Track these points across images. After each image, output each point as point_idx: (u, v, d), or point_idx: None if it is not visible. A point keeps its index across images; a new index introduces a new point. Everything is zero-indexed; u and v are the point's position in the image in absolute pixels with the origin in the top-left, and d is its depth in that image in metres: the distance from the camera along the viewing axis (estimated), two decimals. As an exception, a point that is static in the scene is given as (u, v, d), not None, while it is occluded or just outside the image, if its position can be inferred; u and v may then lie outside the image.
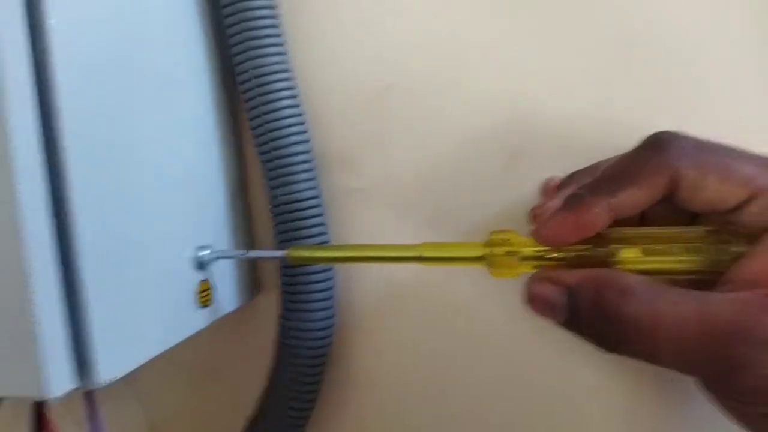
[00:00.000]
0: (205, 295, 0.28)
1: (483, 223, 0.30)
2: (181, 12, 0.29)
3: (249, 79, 0.29)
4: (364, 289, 0.33)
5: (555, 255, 0.24)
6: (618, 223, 0.24)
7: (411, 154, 0.31)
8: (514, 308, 0.24)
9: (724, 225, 0.23)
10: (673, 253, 0.23)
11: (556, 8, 0.29)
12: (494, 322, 0.31)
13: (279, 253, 0.27)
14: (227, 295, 0.31)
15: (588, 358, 0.30)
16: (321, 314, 0.31)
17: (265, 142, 0.29)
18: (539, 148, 0.30)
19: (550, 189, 0.28)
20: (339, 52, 0.32)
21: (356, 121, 0.32)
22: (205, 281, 0.29)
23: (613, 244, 0.24)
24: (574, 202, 0.23)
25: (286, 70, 0.29)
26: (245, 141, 0.33)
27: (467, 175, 0.31)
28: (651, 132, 0.23)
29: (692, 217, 0.25)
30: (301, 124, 0.30)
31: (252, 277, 0.33)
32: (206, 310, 0.29)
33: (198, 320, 0.28)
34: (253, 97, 0.29)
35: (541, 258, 0.24)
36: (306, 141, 0.30)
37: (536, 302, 0.24)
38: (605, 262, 0.23)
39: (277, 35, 0.29)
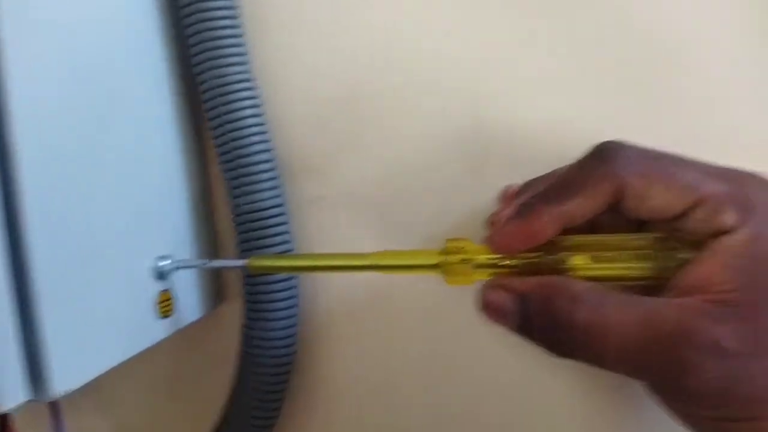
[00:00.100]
0: (165, 306, 0.28)
1: (445, 231, 0.31)
2: (140, 20, 0.29)
3: (210, 89, 0.29)
4: (329, 296, 0.33)
5: (508, 263, 0.24)
6: (569, 230, 0.24)
7: (374, 163, 0.31)
8: (478, 314, 0.24)
9: (672, 232, 0.23)
10: (621, 260, 0.23)
11: (524, 15, 0.30)
12: (459, 327, 0.31)
13: (240, 263, 0.27)
14: (189, 305, 0.31)
15: (549, 362, 0.30)
16: (283, 323, 0.31)
17: (227, 152, 0.29)
18: (501, 157, 0.30)
19: (508, 197, 0.28)
20: (302, 62, 0.32)
21: (320, 130, 0.32)
22: (165, 291, 0.29)
23: (564, 252, 0.24)
24: (524, 211, 0.23)
25: (247, 80, 0.29)
26: (209, 150, 0.33)
27: (430, 183, 0.31)
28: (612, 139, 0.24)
29: (641, 225, 0.25)
30: (264, 133, 0.30)
31: (215, 287, 0.33)
32: (167, 321, 0.29)
33: (158, 331, 0.28)
34: (215, 107, 0.29)
35: (494, 266, 0.25)
36: (269, 150, 0.30)
37: (489, 309, 0.24)
38: (557, 270, 0.24)
39: (239, 45, 0.29)
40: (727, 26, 0.28)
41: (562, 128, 0.29)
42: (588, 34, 0.29)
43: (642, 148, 0.23)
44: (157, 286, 0.28)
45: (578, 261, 0.24)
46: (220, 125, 0.29)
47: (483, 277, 0.25)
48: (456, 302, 0.31)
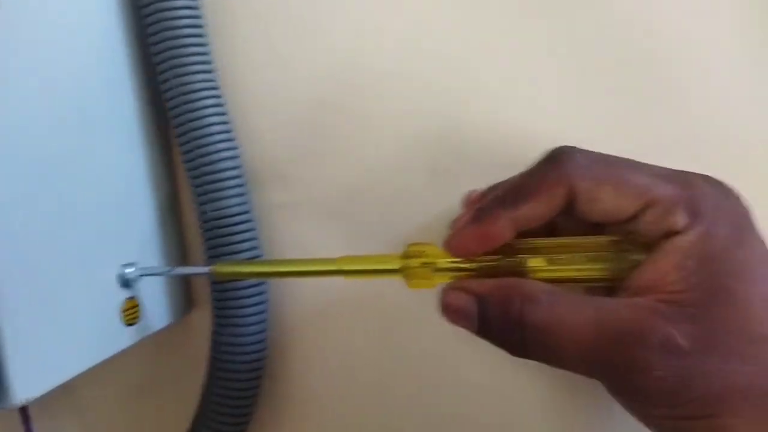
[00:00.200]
0: (130, 313, 0.28)
1: (411, 236, 0.31)
2: (103, 28, 0.29)
3: (174, 96, 0.29)
4: (298, 301, 0.33)
5: (468, 266, 0.25)
6: (529, 234, 0.25)
7: (341, 169, 0.32)
8: (440, 316, 0.25)
9: (626, 234, 0.24)
10: (576, 262, 0.24)
11: (489, 24, 0.30)
12: (431, 330, 0.31)
13: (204, 270, 0.27)
14: (157, 313, 0.31)
15: (521, 363, 0.31)
16: (253, 328, 0.31)
17: (193, 159, 0.29)
18: (464, 163, 0.30)
19: (471, 202, 0.29)
20: (269, 70, 0.32)
21: (287, 137, 0.32)
22: (131, 299, 0.29)
23: (522, 255, 0.24)
24: (480, 215, 0.24)
25: (212, 87, 0.29)
26: (177, 157, 0.33)
27: (395, 189, 0.31)
28: (576, 144, 0.24)
29: (599, 228, 0.26)
30: (230, 140, 0.30)
31: (184, 294, 0.33)
32: (133, 328, 0.29)
33: (124, 338, 0.28)
34: (180, 114, 0.29)
35: (455, 269, 0.25)
36: (235, 157, 0.30)
37: (449, 311, 0.24)
38: (515, 272, 0.24)
39: (204, 53, 0.29)
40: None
41: (531, 135, 0.30)
42: (570, 40, 0.30)
43: (595, 153, 0.23)
44: (122, 294, 0.28)
45: (535, 263, 0.24)
46: (185, 132, 0.29)
47: (444, 280, 0.25)
48: (428, 304, 0.31)
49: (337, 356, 0.33)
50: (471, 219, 0.24)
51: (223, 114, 0.30)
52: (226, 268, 0.27)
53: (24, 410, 0.30)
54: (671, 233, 0.22)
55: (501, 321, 0.23)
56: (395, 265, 0.26)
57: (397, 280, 0.26)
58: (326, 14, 0.31)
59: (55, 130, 0.26)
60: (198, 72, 0.29)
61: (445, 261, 0.25)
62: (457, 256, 0.25)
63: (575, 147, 0.23)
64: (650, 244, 0.23)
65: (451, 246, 0.24)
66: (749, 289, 0.21)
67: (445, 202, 0.30)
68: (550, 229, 0.27)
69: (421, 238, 0.26)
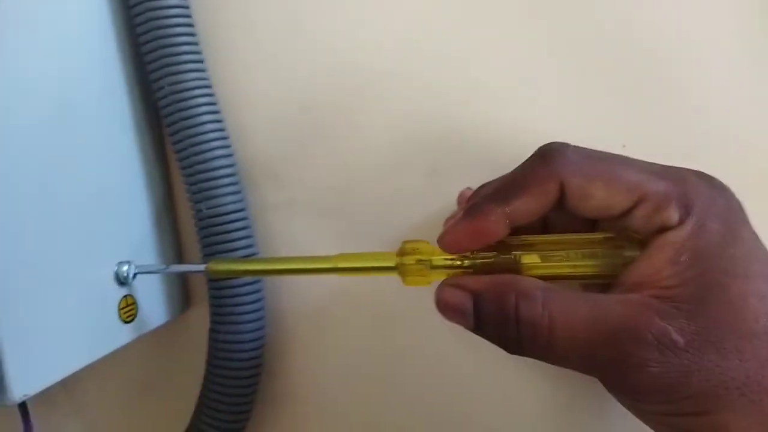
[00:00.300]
0: (128, 311, 0.29)
1: (405, 234, 0.31)
2: (94, 28, 0.29)
3: (167, 95, 0.29)
4: (296, 299, 0.33)
5: (463, 263, 0.25)
6: (525, 231, 0.25)
7: (334, 169, 0.32)
8: (437, 313, 0.25)
9: (619, 231, 0.24)
10: (569, 259, 0.24)
11: (479, 25, 0.30)
12: (428, 327, 0.32)
13: (200, 267, 0.27)
14: (154, 310, 0.31)
15: (521, 360, 0.31)
16: (250, 326, 0.31)
17: (186, 157, 0.29)
18: (458, 161, 0.30)
19: (464, 200, 0.29)
20: (263, 69, 0.32)
21: (281, 136, 0.32)
22: (128, 296, 0.29)
23: (516, 251, 0.24)
24: (472, 212, 0.24)
25: (205, 86, 0.30)
26: (170, 155, 0.33)
27: (390, 188, 0.31)
28: (577, 140, 0.24)
29: (594, 224, 0.26)
30: (224, 138, 0.30)
31: (180, 292, 0.33)
32: (130, 325, 0.29)
33: (121, 336, 0.28)
34: (172, 113, 0.29)
35: (450, 266, 0.25)
36: (229, 155, 0.30)
37: (445, 308, 0.24)
38: (510, 269, 0.24)
39: (195, 52, 0.29)
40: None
41: (524, 133, 0.30)
42: (563, 39, 0.29)
43: (586, 149, 0.23)
44: (119, 292, 0.28)
45: (529, 260, 0.24)
46: (179, 131, 0.29)
47: (439, 277, 0.25)
48: (424, 301, 0.31)
49: (335, 353, 0.33)
50: (463, 215, 0.24)
51: (216, 112, 0.30)
52: (221, 266, 0.27)
53: (23, 406, 0.30)
54: (664, 229, 0.22)
55: (496, 318, 0.23)
56: (391, 263, 0.26)
57: (394, 278, 0.26)
58: (321, 13, 0.31)
59: (49, 130, 0.26)
60: (190, 71, 0.29)
61: (441, 258, 0.25)
62: (451, 253, 0.25)
63: (566, 143, 0.23)
64: (643, 240, 0.23)
65: (444, 242, 0.24)
66: (743, 285, 0.21)
67: (441, 201, 0.31)
68: (542, 225, 0.27)
69: (417, 237, 0.26)
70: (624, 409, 0.24)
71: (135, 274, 0.28)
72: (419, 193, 0.31)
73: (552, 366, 0.23)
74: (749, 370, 0.21)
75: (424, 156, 0.31)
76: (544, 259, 0.24)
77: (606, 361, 0.22)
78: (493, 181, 0.26)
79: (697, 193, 0.22)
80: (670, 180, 0.22)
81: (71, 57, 0.27)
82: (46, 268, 0.25)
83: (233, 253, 0.30)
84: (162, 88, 0.29)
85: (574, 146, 0.23)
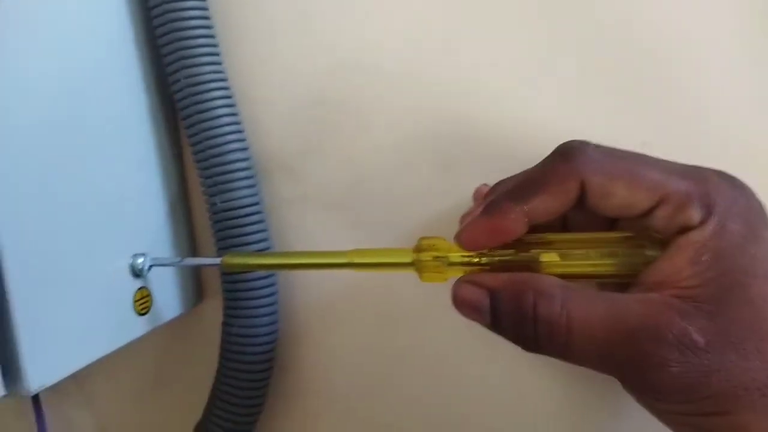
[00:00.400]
0: (142, 303, 0.29)
1: (419, 230, 0.31)
2: (112, 22, 0.29)
3: (182, 88, 0.29)
4: (309, 294, 0.33)
5: (481, 260, 0.25)
6: (543, 229, 0.24)
7: (348, 164, 0.32)
8: (453, 310, 0.25)
9: (640, 230, 0.24)
10: (589, 258, 0.24)
11: (489, 19, 0.30)
12: (440, 324, 0.32)
13: (214, 261, 0.27)
14: (168, 302, 0.31)
15: (534, 359, 0.31)
16: (264, 320, 0.31)
17: (202, 150, 0.29)
18: (473, 157, 0.30)
19: (480, 196, 0.28)
20: (277, 63, 0.32)
21: (295, 130, 0.32)
22: (143, 289, 0.29)
23: (535, 249, 0.24)
24: (491, 209, 0.23)
25: (221, 79, 0.29)
26: (187, 149, 0.33)
27: (404, 182, 0.31)
28: (586, 137, 0.24)
29: (611, 223, 0.25)
30: (239, 132, 0.30)
31: (194, 285, 0.33)
32: (144, 318, 0.29)
33: (136, 328, 0.28)
34: (188, 106, 0.29)
35: (467, 263, 0.25)
36: (244, 149, 0.30)
37: (461, 304, 0.24)
38: (528, 267, 0.24)
39: (211, 45, 0.29)
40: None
41: (536, 130, 0.30)
42: (573, 35, 0.29)
43: (606, 147, 0.23)
44: (134, 284, 0.28)
45: (548, 258, 0.24)
46: (195, 123, 0.29)
47: (456, 274, 0.25)
48: (436, 297, 0.31)
49: (347, 349, 0.33)
50: (481, 212, 0.24)
51: (231, 106, 0.30)
52: (236, 260, 0.27)
53: (36, 398, 0.30)
54: (686, 228, 0.22)
55: (514, 315, 0.23)
56: (407, 259, 0.25)
57: (407, 274, 0.26)
58: (336, 9, 0.31)
59: (65, 124, 0.26)
60: (206, 64, 0.29)
61: (458, 255, 0.25)
62: (468, 250, 0.24)
63: (587, 141, 0.23)
64: (664, 240, 0.23)
65: (462, 239, 0.24)
66: (764, 285, 0.21)
67: (454, 197, 0.30)
68: (561, 223, 0.27)
69: (430, 233, 0.26)
70: (640, 409, 0.24)
71: (150, 267, 0.28)
72: (432, 188, 0.31)
73: (566, 364, 0.23)
74: None
75: (438, 152, 0.31)
76: (563, 257, 0.24)
77: (625, 360, 0.21)
78: (512, 177, 0.26)
79: (719, 193, 0.22)
80: (692, 179, 0.22)
81: (88, 51, 0.27)
82: (63, 259, 0.25)
83: (247, 247, 0.30)
84: (178, 81, 0.29)
85: (595, 144, 0.23)
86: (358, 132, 0.31)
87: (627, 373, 0.22)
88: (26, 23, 0.24)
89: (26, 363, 0.23)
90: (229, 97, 0.30)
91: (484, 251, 0.25)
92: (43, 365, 0.24)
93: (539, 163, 0.24)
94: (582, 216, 0.25)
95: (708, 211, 0.22)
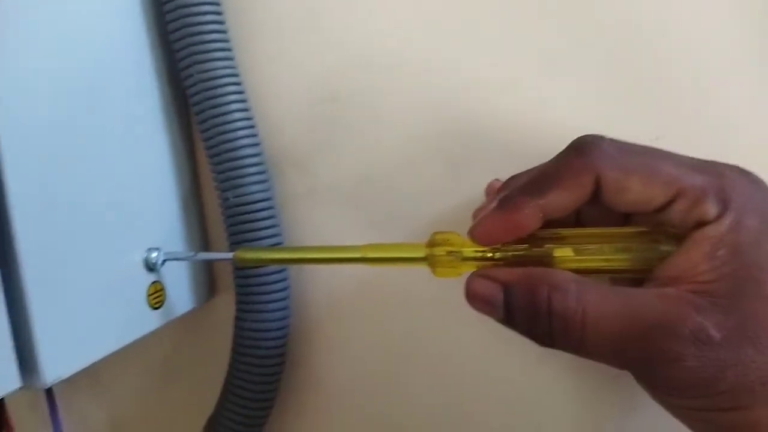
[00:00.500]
0: (156, 297, 0.29)
1: (430, 225, 0.31)
2: (125, 17, 0.29)
3: (195, 83, 0.29)
4: (321, 289, 0.33)
5: (494, 255, 0.25)
6: (558, 224, 0.24)
7: (359, 159, 0.32)
8: (469, 307, 0.25)
9: (655, 225, 0.23)
10: (603, 253, 0.24)
11: (497, 16, 0.30)
12: (452, 320, 0.32)
13: (227, 255, 0.27)
14: (181, 297, 0.31)
15: (546, 354, 0.31)
16: (276, 315, 0.31)
17: (214, 145, 0.29)
18: (484, 153, 0.30)
19: (493, 191, 0.28)
20: (289, 59, 0.32)
21: (307, 126, 0.32)
22: (156, 283, 0.29)
23: (549, 244, 0.24)
24: (505, 203, 0.23)
25: (233, 74, 0.30)
26: (199, 144, 0.33)
27: (415, 178, 0.31)
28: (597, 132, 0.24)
29: (626, 219, 0.25)
30: (251, 127, 0.30)
31: (207, 279, 0.33)
32: (158, 312, 0.29)
33: (150, 321, 0.29)
34: (201, 101, 0.29)
35: (481, 258, 0.25)
36: (256, 144, 0.30)
37: (476, 299, 0.24)
38: (542, 262, 0.24)
39: (223, 40, 0.29)
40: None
41: (547, 125, 0.30)
42: (576, 34, 0.29)
43: (621, 142, 0.23)
44: (148, 278, 0.28)
45: (562, 253, 0.24)
46: (207, 119, 0.29)
47: (470, 269, 0.25)
48: (447, 293, 0.31)
49: (358, 344, 0.33)
50: (495, 207, 0.24)
51: (244, 101, 0.30)
52: (249, 254, 0.27)
53: (49, 391, 0.30)
54: (702, 223, 0.22)
55: (527, 310, 0.23)
56: (420, 254, 0.25)
57: (419, 269, 0.26)
58: (347, 3, 0.31)
59: (79, 119, 0.26)
60: (219, 59, 0.29)
61: (471, 250, 0.25)
62: (482, 245, 0.24)
63: (602, 135, 0.23)
64: (679, 235, 0.22)
65: (476, 234, 0.24)
66: None
67: (463, 193, 0.30)
68: (574, 219, 0.27)
69: (440, 228, 0.26)
70: (652, 405, 0.24)
71: (164, 261, 0.29)
72: (443, 184, 0.31)
73: (577, 359, 0.23)
74: None
75: (448, 148, 0.31)
76: (577, 252, 0.24)
77: (640, 355, 0.21)
78: (525, 172, 0.26)
79: (735, 188, 0.22)
80: (708, 174, 0.22)
81: (101, 48, 0.27)
82: (78, 254, 0.25)
83: (260, 242, 0.30)
84: (191, 76, 0.29)
85: (610, 139, 0.23)
86: (369, 128, 0.31)
87: (642, 368, 0.22)
88: (41, 21, 0.24)
89: (42, 356, 0.23)
90: (241, 92, 0.30)
91: (498, 246, 0.25)
92: (58, 358, 0.24)
93: (554, 157, 0.24)
94: (596, 211, 0.25)
95: (724, 206, 0.21)
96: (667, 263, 0.22)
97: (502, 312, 0.23)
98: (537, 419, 0.31)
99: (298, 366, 0.34)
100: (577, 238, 0.24)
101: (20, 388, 0.23)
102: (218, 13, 0.29)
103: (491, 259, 0.25)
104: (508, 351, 0.31)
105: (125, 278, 0.27)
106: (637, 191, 0.22)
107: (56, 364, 0.24)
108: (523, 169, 0.27)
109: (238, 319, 0.32)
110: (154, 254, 0.28)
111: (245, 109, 0.30)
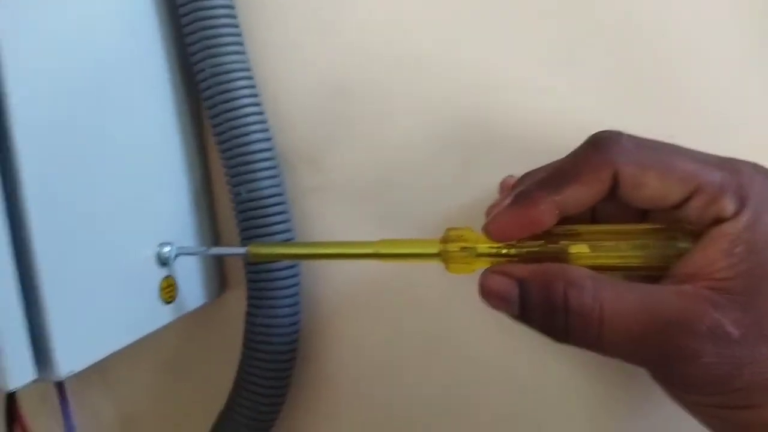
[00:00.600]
0: (168, 291, 0.29)
1: (442, 221, 0.31)
2: (137, 10, 0.29)
3: (207, 78, 0.29)
4: (332, 285, 0.33)
5: (509, 251, 0.24)
6: (570, 220, 0.24)
7: (371, 154, 0.32)
8: (482, 303, 0.25)
9: (672, 221, 0.23)
10: (620, 249, 0.23)
11: (509, 11, 0.29)
12: (463, 316, 0.32)
13: (240, 250, 0.28)
14: (193, 292, 0.31)
15: (555, 348, 0.30)
16: (287, 310, 0.31)
17: (226, 140, 0.29)
18: (497, 149, 0.30)
19: (507, 186, 0.28)
20: (301, 54, 0.32)
21: (319, 121, 0.32)
22: (168, 277, 0.29)
23: (564, 241, 0.24)
24: (521, 199, 0.23)
25: (245, 69, 0.29)
26: (209, 139, 0.33)
27: (427, 173, 0.31)
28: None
29: (644, 215, 0.25)
30: (263, 122, 0.30)
31: (218, 274, 0.34)
32: (170, 306, 0.29)
33: (162, 316, 0.29)
34: (213, 96, 0.29)
35: (495, 254, 0.25)
36: (267, 139, 0.30)
37: (490, 295, 0.24)
38: (557, 258, 0.24)
39: (236, 34, 0.29)
40: (727, 26, 0.28)
41: (560, 122, 0.29)
42: (588, 30, 0.29)
43: (638, 137, 0.23)
44: (160, 272, 0.29)
45: (577, 250, 0.24)
46: (218, 114, 0.29)
47: (483, 265, 0.25)
48: (459, 289, 0.31)
49: (370, 340, 0.33)
50: (511, 203, 0.23)
51: (255, 95, 0.30)
52: (262, 249, 0.27)
53: (61, 387, 0.30)
54: (719, 220, 0.22)
55: (543, 306, 0.23)
56: (434, 250, 0.25)
57: (431, 265, 0.26)
58: (358, 1, 0.31)
59: (93, 115, 0.26)
60: (231, 53, 0.29)
61: (486, 246, 0.25)
62: (497, 241, 0.24)
63: (619, 131, 0.23)
64: (696, 232, 0.22)
65: (491, 230, 0.24)
66: None
67: (476, 189, 0.30)
68: (590, 216, 0.26)
69: (452, 224, 0.26)
70: (665, 402, 0.24)
71: (176, 255, 0.29)
72: (455, 180, 0.31)
73: (590, 355, 0.23)
74: None
75: (461, 143, 0.30)
76: (593, 248, 0.24)
77: (657, 352, 0.21)
78: (541, 168, 0.26)
79: (753, 185, 0.22)
80: (726, 170, 0.22)
81: (113, 43, 0.27)
82: (92, 248, 0.25)
83: (272, 237, 0.30)
84: (203, 70, 0.29)
85: (628, 134, 0.23)
86: (381, 123, 0.31)
87: (658, 365, 0.22)
88: (57, 19, 0.24)
89: (56, 349, 0.23)
90: (253, 86, 0.30)
91: (513, 242, 0.24)
92: (72, 351, 0.24)
93: (571, 153, 0.24)
94: (612, 207, 0.25)
95: (742, 203, 0.21)
96: (684, 260, 0.22)
97: (517, 308, 0.23)
98: (549, 416, 0.31)
99: (309, 361, 0.34)
100: (593, 235, 0.24)
101: (35, 381, 0.23)
102: (231, 7, 0.29)
103: (505, 255, 0.25)
104: (521, 348, 0.31)
105: (138, 273, 0.28)
106: (654, 187, 0.22)
107: (70, 357, 0.24)
108: (537, 165, 0.27)
109: (249, 314, 0.32)
110: (167, 249, 0.28)
111: (257, 104, 0.30)
